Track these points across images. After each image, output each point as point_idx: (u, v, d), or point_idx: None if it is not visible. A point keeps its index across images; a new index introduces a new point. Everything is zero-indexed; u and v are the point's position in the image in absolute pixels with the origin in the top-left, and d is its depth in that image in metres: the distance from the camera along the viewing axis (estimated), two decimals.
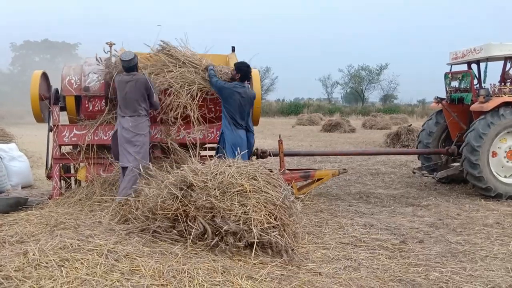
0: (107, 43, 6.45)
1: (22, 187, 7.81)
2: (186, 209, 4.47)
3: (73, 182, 6.75)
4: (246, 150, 6.12)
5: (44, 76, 6.60)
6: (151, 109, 5.99)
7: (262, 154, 7.25)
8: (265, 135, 19.94)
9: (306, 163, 11.14)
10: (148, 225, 4.59)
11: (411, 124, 17.24)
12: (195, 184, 4.58)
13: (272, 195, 4.63)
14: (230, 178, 4.62)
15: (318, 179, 7.20)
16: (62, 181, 6.45)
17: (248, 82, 6.72)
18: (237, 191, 4.52)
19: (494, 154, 7.37)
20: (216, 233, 4.33)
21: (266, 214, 4.43)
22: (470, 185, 7.69)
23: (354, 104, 58.48)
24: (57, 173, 6.27)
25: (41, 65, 35.04)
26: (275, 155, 7.33)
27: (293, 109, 42.12)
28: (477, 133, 7.22)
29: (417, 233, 5.36)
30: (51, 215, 5.31)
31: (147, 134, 5.82)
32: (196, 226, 4.37)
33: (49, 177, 6.44)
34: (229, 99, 6.03)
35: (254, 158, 7.08)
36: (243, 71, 6.12)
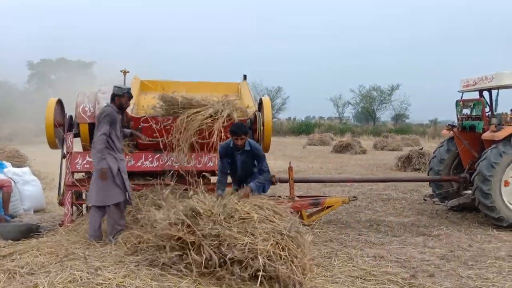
0: (121, 71, 6.58)
1: (35, 211, 7.93)
2: (194, 238, 4.50)
3: (84, 208, 6.81)
4: None
5: (59, 103, 6.74)
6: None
7: (272, 181, 7.24)
8: (276, 156, 19.95)
9: (316, 186, 11.12)
10: (157, 257, 4.61)
11: (422, 148, 17.15)
12: (202, 213, 4.63)
13: (278, 224, 4.64)
14: (235, 205, 4.66)
15: (328, 207, 7.18)
16: (73, 207, 6.51)
17: (258, 110, 6.78)
18: (243, 219, 4.55)
19: (507, 184, 7.30)
20: (222, 262, 4.33)
21: (272, 243, 4.43)
22: (482, 214, 7.61)
23: (365, 124, 58.50)
24: (69, 200, 6.34)
25: (56, 83, 35.61)
26: (284, 181, 7.34)
27: (304, 128, 42.20)
28: (489, 162, 7.18)
29: (427, 266, 5.30)
30: (61, 244, 5.35)
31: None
32: (202, 253, 4.39)
33: (61, 203, 6.51)
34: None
35: None
36: (248, 132, 5.89)
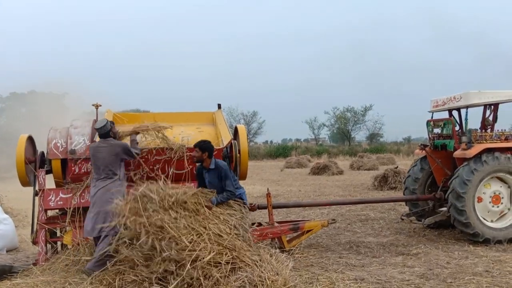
0: (93, 105, 6.54)
1: (7, 251, 7.68)
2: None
3: (59, 246, 6.64)
4: None
5: (30, 139, 6.62)
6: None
7: (251, 208, 7.23)
8: (254, 180, 19.95)
9: (295, 210, 11.12)
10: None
11: (397, 166, 17.41)
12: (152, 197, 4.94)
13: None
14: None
15: (308, 231, 7.19)
16: (48, 245, 6.34)
17: (234, 138, 6.81)
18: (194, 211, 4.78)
19: (480, 200, 7.46)
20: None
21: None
22: (458, 230, 7.72)
23: (341, 144, 59.11)
24: (43, 238, 6.18)
25: (27, 117, 34.95)
26: (263, 207, 7.34)
27: (281, 151, 42.38)
28: (461, 179, 7.33)
29: (408, 286, 5.34)
30: (36, 284, 5.22)
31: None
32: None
33: (34, 242, 6.34)
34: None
35: None
36: (209, 148, 5.87)
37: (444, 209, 7.99)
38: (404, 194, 9.19)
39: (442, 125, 8.40)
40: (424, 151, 8.57)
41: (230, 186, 5.76)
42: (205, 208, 5.28)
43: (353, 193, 14.98)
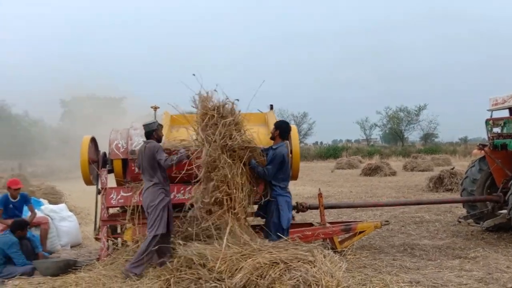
0: (151, 107, 6.80)
1: (71, 246, 8.14)
2: None
3: (119, 242, 6.94)
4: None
5: (93, 140, 6.99)
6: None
7: (302, 208, 7.27)
8: (304, 181, 19.91)
9: (347, 211, 11.04)
10: None
11: (453, 167, 16.86)
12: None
13: None
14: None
15: (360, 232, 7.13)
16: (109, 241, 6.65)
17: (286, 140, 6.86)
18: None
19: None
20: None
21: None
22: None
23: (394, 145, 57.78)
24: (105, 235, 6.48)
25: (88, 120, 36.63)
26: (314, 208, 7.35)
27: (331, 152, 42.04)
28: None
29: None
30: (99, 278, 5.45)
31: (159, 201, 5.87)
32: None
33: (97, 238, 6.68)
34: (283, 164, 6.07)
35: (294, 212, 7.12)
36: (281, 128, 6.23)
37: (504, 211, 7.69)
38: (461, 196, 8.91)
39: (502, 124, 8.09)
40: (483, 151, 8.28)
41: (269, 171, 5.93)
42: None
43: (407, 195, 14.66)
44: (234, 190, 5.58)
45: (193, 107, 5.95)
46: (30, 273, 6.20)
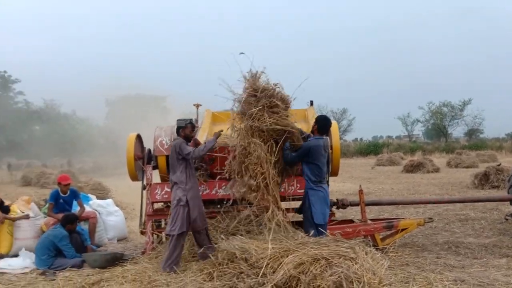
0: (194, 105, 6.95)
1: (118, 240, 8.43)
2: None
3: (163, 237, 7.13)
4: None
5: (138, 137, 7.21)
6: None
7: (342, 205, 7.24)
8: (343, 178, 19.74)
9: (388, 209, 10.89)
10: (235, 283, 4.79)
11: (500, 164, 16.31)
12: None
13: None
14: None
15: (403, 229, 7.03)
16: (154, 235, 6.85)
17: (326, 136, 6.85)
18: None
19: None
20: None
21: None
22: None
23: (437, 141, 56.30)
24: (150, 229, 6.68)
25: (132, 118, 37.69)
26: (355, 205, 7.30)
27: (372, 149, 41.45)
28: None
29: None
30: (144, 271, 5.63)
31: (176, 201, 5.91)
32: None
33: (142, 232, 6.89)
34: (315, 157, 6.01)
35: (334, 209, 7.11)
36: (321, 123, 6.21)
37: None
38: (508, 193, 8.62)
39: None
40: None
41: (290, 157, 6.00)
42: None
43: (451, 192, 14.31)
44: (267, 169, 5.69)
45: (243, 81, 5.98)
46: (79, 265, 6.46)
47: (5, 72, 47.08)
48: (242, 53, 5.70)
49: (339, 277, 4.39)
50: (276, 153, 5.82)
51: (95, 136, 44.56)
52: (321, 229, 5.86)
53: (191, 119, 6.07)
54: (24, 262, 6.66)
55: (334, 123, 7.13)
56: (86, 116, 50.78)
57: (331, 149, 6.75)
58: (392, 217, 8.06)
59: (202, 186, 6.52)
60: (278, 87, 5.88)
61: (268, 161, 5.69)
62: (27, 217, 7.44)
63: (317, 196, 6.02)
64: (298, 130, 6.03)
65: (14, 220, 7.36)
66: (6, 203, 7.70)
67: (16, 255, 6.96)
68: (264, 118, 5.68)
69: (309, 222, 6.00)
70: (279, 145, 5.85)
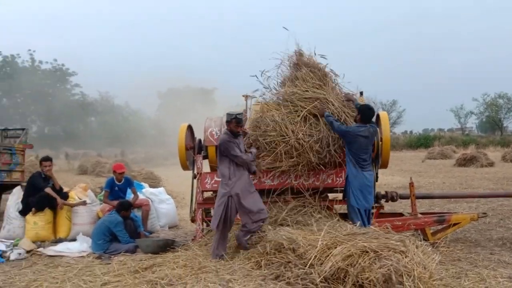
0: (243, 96, 7.04)
1: (169, 227, 8.70)
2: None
3: None
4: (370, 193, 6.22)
5: (190, 128, 7.39)
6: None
7: (392, 198, 7.13)
8: (392, 171, 19.35)
9: (439, 203, 10.61)
10: (282, 272, 4.84)
11: None
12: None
13: None
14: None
15: (455, 224, 6.85)
16: (204, 223, 7.03)
17: (373, 124, 6.77)
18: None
19: None
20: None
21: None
22: None
23: (491, 134, 54.01)
24: (200, 217, 6.86)
25: (182, 110, 38.59)
26: (405, 197, 7.17)
27: (422, 142, 40.35)
28: None
29: None
30: (194, 257, 5.80)
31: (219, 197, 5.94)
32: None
33: (192, 220, 7.08)
34: (353, 142, 6.14)
35: (383, 201, 7.02)
36: (363, 112, 6.23)
37: None
38: None
39: None
40: None
41: (336, 125, 6.12)
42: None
43: (506, 187, 13.73)
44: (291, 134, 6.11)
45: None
46: (133, 251, 6.71)
47: (62, 65, 49.47)
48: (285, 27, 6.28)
49: (388, 270, 4.35)
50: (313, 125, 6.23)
51: (147, 128, 45.98)
52: (364, 216, 5.88)
53: (237, 114, 5.95)
54: (81, 246, 6.97)
55: (384, 113, 7.04)
56: (138, 108, 52.43)
57: (381, 140, 6.67)
58: (444, 211, 7.84)
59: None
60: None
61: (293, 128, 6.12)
62: (84, 203, 7.82)
63: (357, 181, 6.10)
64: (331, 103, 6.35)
65: (72, 206, 7.75)
66: (65, 190, 8.13)
67: (74, 239, 7.31)
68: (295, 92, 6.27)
69: (351, 208, 6.11)
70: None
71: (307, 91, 6.44)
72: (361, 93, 7.61)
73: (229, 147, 5.81)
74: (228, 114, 5.98)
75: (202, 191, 6.91)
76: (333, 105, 6.36)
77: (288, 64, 6.86)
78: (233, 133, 5.94)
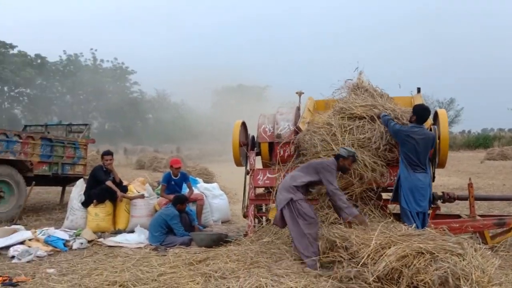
0: (296, 93, 7.07)
1: (222, 222, 8.88)
2: None
3: (264, 221, 7.38)
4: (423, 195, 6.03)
5: (243, 125, 7.50)
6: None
7: (449, 198, 6.91)
8: (449, 172, 18.68)
9: (499, 205, 10.15)
10: (335, 270, 4.85)
11: None
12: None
13: None
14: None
15: None
16: (256, 219, 7.12)
17: (434, 125, 6.59)
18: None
19: None
20: None
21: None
22: None
23: None
24: (252, 213, 6.95)
25: (235, 107, 39.17)
26: (463, 199, 6.93)
27: (481, 142, 38.59)
28: None
29: None
30: (247, 252, 5.88)
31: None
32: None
33: (245, 216, 7.19)
34: (406, 142, 6.00)
35: (439, 202, 6.83)
36: (418, 113, 6.06)
37: None
38: None
39: None
40: None
41: (393, 124, 6.07)
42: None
43: None
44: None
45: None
46: (187, 243, 6.88)
47: (122, 63, 51.53)
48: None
49: (445, 272, 4.24)
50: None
51: (201, 125, 46.92)
52: (416, 218, 5.75)
53: (355, 153, 5.83)
54: (139, 237, 7.25)
55: (442, 111, 6.85)
56: (193, 105, 53.63)
57: (439, 139, 6.47)
58: (504, 214, 7.51)
59: None
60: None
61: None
62: (142, 196, 8.12)
63: (409, 183, 5.95)
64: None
65: (131, 199, 8.07)
66: (124, 183, 8.48)
67: (132, 231, 7.61)
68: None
69: (402, 210, 6.00)
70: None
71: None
72: (419, 90, 7.46)
73: (332, 180, 5.56)
74: (347, 150, 5.74)
75: (255, 187, 6.98)
76: (393, 110, 6.31)
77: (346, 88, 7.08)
78: (341, 169, 5.74)
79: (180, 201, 7.36)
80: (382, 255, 4.62)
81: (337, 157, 5.75)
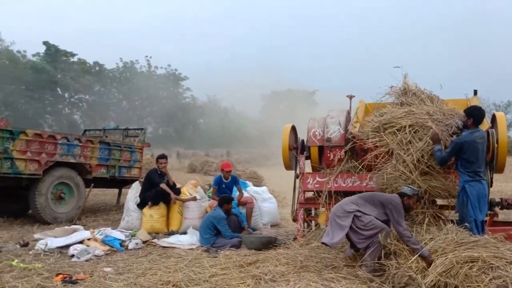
0: (347, 96, 7.01)
1: (271, 226, 8.91)
2: None
3: (313, 225, 7.34)
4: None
5: (293, 128, 7.52)
6: None
7: (508, 205, 6.60)
8: (507, 177, 17.81)
9: None
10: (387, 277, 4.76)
11: None
12: None
13: None
14: None
15: None
16: (305, 223, 7.09)
17: (491, 127, 6.34)
18: None
19: None
20: None
21: None
22: None
23: None
24: (301, 216, 6.94)
25: (283, 112, 39.27)
26: None
27: None
28: None
29: None
30: (296, 256, 5.86)
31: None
32: None
33: (294, 219, 7.19)
34: (467, 150, 5.69)
35: (497, 209, 6.53)
36: (474, 115, 5.80)
37: None
38: None
39: None
40: None
41: (441, 155, 5.74)
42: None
43: None
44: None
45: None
46: (237, 246, 6.95)
47: (175, 70, 52.99)
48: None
49: (504, 281, 4.07)
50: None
51: (251, 129, 47.34)
52: (480, 228, 5.51)
53: (419, 191, 5.60)
54: (191, 239, 7.39)
55: (501, 114, 6.58)
56: (242, 110, 54.18)
57: (497, 142, 6.21)
58: None
59: (353, 177, 6.53)
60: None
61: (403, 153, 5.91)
62: (194, 199, 8.31)
63: (476, 190, 5.66)
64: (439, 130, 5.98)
65: (184, 201, 8.28)
66: (178, 186, 8.71)
67: (184, 233, 7.77)
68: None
69: (466, 220, 5.66)
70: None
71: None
72: (475, 92, 7.21)
73: (400, 220, 5.18)
74: (411, 188, 5.43)
75: (304, 191, 6.97)
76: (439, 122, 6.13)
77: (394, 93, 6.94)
78: (406, 208, 5.37)
79: (226, 201, 7.43)
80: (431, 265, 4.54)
81: (401, 195, 5.38)
